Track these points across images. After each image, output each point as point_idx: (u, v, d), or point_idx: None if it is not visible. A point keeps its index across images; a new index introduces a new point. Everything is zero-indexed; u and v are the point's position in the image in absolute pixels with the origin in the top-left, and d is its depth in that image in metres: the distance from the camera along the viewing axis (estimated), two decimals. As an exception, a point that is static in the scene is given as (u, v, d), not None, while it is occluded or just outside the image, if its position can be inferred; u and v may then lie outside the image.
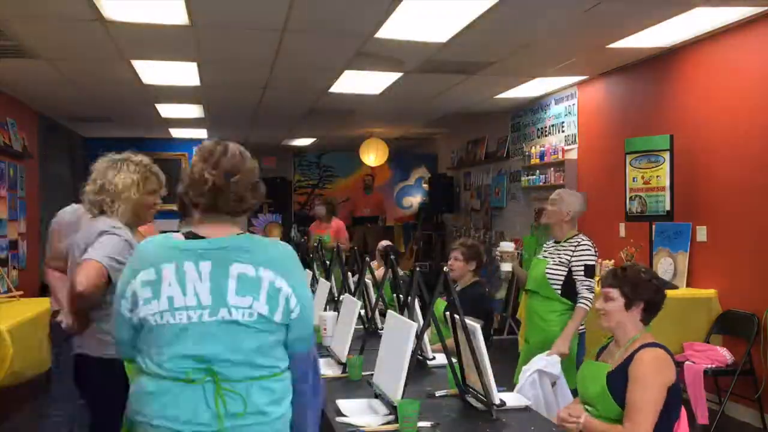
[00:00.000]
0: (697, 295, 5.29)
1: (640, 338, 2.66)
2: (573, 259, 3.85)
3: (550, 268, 3.91)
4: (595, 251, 3.89)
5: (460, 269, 4.20)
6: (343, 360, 3.26)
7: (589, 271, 3.81)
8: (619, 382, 2.59)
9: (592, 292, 3.77)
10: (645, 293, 2.67)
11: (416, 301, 3.23)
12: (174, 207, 6.02)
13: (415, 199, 13.78)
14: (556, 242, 4.02)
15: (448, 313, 2.93)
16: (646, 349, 2.58)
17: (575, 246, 3.87)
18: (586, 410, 2.71)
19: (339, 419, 2.54)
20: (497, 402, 2.55)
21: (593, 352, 2.89)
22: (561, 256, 3.90)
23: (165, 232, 2.04)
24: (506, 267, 4.17)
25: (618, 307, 2.69)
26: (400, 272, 5.19)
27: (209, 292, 1.85)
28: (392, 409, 2.50)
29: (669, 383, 2.54)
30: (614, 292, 2.70)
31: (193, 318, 1.84)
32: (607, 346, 2.83)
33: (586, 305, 3.77)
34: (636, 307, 2.67)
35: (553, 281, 3.88)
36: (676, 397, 2.58)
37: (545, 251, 4.06)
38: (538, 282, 3.96)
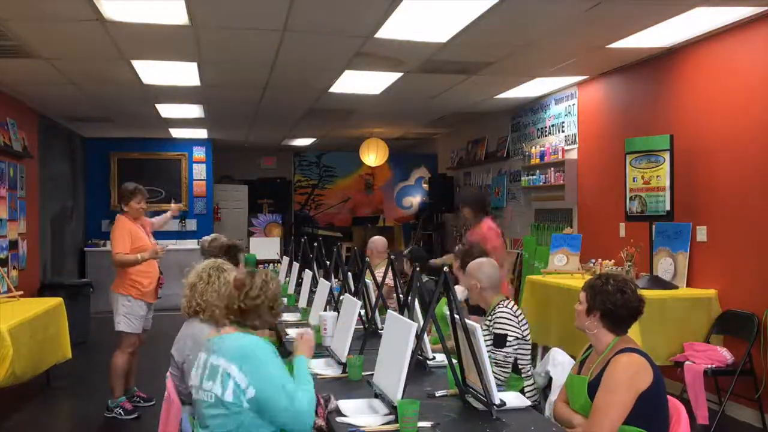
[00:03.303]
0: (697, 295, 5.29)
1: (617, 344, 2.69)
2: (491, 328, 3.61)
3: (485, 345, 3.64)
4: (515, 319, 3.58)
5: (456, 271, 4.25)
6: (343, 360, 3.26)
7: (498, 341, 3.51)
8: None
9: (502, 367, 3.49)
10: (603, 304, 2.72)
11: (416, 301, 3.24)
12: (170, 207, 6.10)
13: (415, 199, 13.78)
14: (484, 314, 3.79)
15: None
16: (621, 354, 2.61)
17: (493, 315, 3.63)
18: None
19: (339, 419, 2.54)
20: (497, 402, 2.56)
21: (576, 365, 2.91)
22: (489, 329, 3.63)
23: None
24: None
25: (582, 311, 2.79)
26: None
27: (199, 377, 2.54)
28: (392, 409, 2.51)
29: (640, 390, 2.53)
30: (582, 296, 2.81)
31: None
32: (587, 357, 2.85)
33: None
34: (593, 315, 2.74)
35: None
36: (654, 402, 2.56)
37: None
38: None
